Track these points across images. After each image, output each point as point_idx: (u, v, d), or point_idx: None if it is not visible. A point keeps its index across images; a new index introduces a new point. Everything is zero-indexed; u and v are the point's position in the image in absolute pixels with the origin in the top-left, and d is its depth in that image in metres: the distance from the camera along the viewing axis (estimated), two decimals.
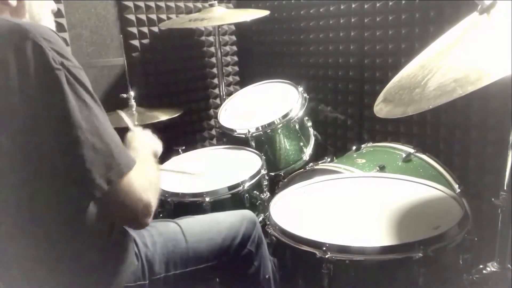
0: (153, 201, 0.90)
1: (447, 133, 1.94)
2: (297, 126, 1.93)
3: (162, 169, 1.63)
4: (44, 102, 0.77)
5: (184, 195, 1.48)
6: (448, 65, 0.93)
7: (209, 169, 1.71)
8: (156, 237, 1.13)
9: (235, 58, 2.79)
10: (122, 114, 1.42)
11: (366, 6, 2.14)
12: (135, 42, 2.24)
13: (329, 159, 1.83)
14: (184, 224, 1.20)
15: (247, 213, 1.31)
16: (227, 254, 1.20)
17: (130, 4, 2.19)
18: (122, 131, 1.20)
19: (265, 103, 2.07)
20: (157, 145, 1.24)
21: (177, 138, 2.45)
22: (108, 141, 0.82)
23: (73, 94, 0.78)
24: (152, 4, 2.28)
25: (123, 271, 0.99)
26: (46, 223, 0.85)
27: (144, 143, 1.12)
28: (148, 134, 1.24)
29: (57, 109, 0.77)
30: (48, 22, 0.99)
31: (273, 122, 1.86)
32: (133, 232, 1.07)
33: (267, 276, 1.28)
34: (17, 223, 0.84)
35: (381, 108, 1.11)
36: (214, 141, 2.73)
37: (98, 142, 0.80)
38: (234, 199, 1.50)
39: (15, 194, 0.82)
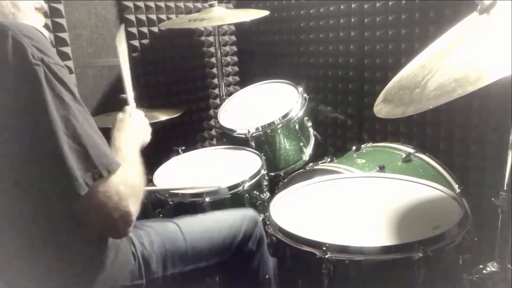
0: (133, 210, 0.85)
1: (447, 133, 1.94)
2: (297, 126, 1.93)
3: (171, 190, 1.52)
4: (22, 97, 0.76)
5: (184, 195, 1.48)
6: (448, 65, 0.93)
7: (209, 169, 1.71)
8: (154, 236, 1.12)
9: (235, 58, 2.79)
10: (129, 90, 1.33)
11: (366, 6, 2.14)
12: (135, 42, 2.24)
13: (329, 159, 1.83)
14: (183, 223, 1.20)
15: (248, 212, 1.31)
16: (228, 252, 1.20)
17: (130, 4, 2.19)
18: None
19: (265, 103, 2.07)
20: (146, 133, 1.21)
21: (177, 138, 2.45)
22: (85, 142, 0.79)
23: (50, 91, 0.76)
24: (152, 4, 2.28)
25: (120, 270, 0.99)
26: (37, 222, 0.84)
27: (131, 136, 1.07)
28: (140, 117, 1.22)
29: (35, 104, 0.76)
30: (32, 20, 0.95)
31: (273, 122, 1.86)
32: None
33: (267, 276, 1.28)
34: (8, 222, 0.84)
35: (381, 108, 1.11)
36: (214, 141, 2.73)
37: (73, 142, 0.78)
38: (234, 199, 1.50)
39: (3, 192, 0.81)
